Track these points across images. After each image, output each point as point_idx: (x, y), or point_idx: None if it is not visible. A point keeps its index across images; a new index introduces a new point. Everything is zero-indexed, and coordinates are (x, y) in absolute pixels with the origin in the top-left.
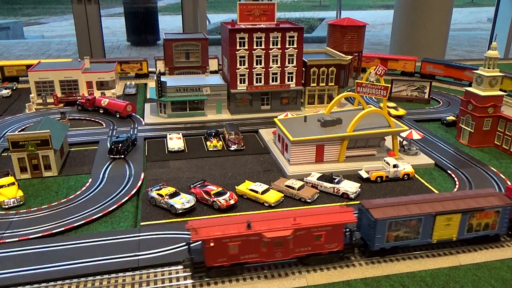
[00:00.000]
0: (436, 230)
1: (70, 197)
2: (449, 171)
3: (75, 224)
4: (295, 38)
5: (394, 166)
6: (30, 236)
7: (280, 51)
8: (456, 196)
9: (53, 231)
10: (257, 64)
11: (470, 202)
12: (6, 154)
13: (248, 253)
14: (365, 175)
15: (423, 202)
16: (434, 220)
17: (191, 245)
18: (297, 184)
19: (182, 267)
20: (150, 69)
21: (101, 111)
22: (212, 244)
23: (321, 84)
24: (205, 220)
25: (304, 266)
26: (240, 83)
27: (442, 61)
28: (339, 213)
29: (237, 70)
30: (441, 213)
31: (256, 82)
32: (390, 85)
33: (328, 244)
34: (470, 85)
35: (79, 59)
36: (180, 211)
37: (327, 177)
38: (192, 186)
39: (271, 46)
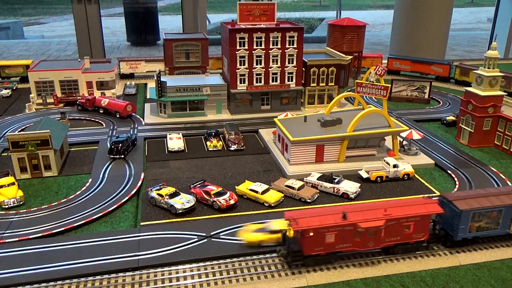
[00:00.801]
0: None
1: (70, 197)
2: (449, 171)
3: (75, 224)
4: (295, 38)
5: (394, 166)
6: (30, 236)
7: (280, 51)
8: None
9: (53, 231)
10: (257, 64)
11: None
12: (6, 154)
13: (343, 243)
14: (365, 175)
15: (501, 194)
16: None
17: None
18: (297, 184)
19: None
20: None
21: (101, 111)
22: (311, 234)
23: (321, 84)
24: (301, 210)
25: (387, 255)
26: (240, 83)
27: (408, 57)
28: (425, 204)
29: (237, 70)
30: None
31: (256, 82)
32: (390, 85)
33: (415, 234)
34: (436, 79)
35: (79, 59)
36: (180, 211)
37: (327, 177)
38: (192, 186)
39: (271, 46)
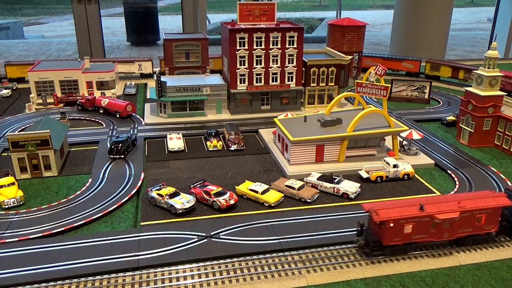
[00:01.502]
0: None
1: (70, 197)
2: (449, 171)
3: (75, 224)
4: (295, 38)
5: (394, 166)
6: (30, 236)
7: (280, 51)
8: None
9: (53, 231)
10: (257, 64)
11: None
12: (6, 154)
13: (419, 233)
14: (365, 175)
15: None
16: None
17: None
18: (297, 184)
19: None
20: None
21: (101, 111)
22: (391, 225)
23: (321, 84)
24: (380, 202)
25: (458, 246)
26: (240, 83)
27: (379, 55)
28: (495, 197)
29: (237, 70)
30: None
31: (256, 82)
32: (390, 85)
33: (486, 226)
34: (407, 75)
35: (79, 59)
36: (180, 211)
37: (327, 177)
38: (192, 186)
39: (271, 46)
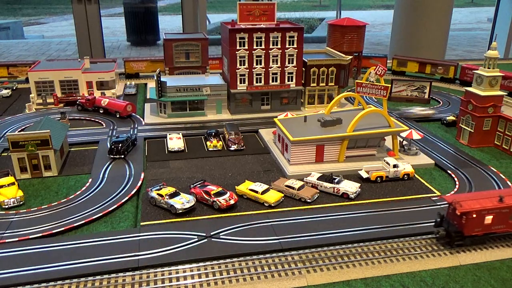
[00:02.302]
0: None
1: (70, 197)
2: (449, 171)
3: (75, 224)
4: (295, 38)
5: (394, 166)
6: (30, 236)
7: (280, 51)
8: None
9: (53, 231)
10: (257, 64)
11: None
12: (6, 154)
13: (498, 224)
14: (365, 175)
15: None
16: None
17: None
18: (297, 184)
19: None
20: None
21: (101, 111)
22: (474, 216)
23: (321, 84)
24: (461, 194)
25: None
26: (240, 83)
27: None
28: None
29: (237, 70)
30: None
31: (256, 82)
32: (390, 85)
33: None
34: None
35: (79, 59)
36: (180, 211)
37: (327, 177)
38: (192, 186)
39: (271, 46)
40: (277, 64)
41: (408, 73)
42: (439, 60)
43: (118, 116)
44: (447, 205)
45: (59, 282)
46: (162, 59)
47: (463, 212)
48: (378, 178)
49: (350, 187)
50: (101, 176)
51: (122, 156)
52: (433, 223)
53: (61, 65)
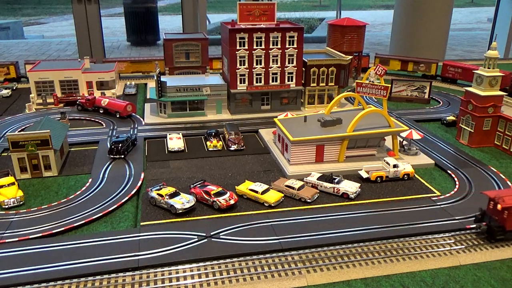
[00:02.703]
0: None
1: (70, 197)
2: (449, 171)
3: (75, 224)
4: (295, 38)
5: (394, 166)
6: (30, 236)
7: (280, 51)
8: None
9: (53, 231)
10: (257, 64)
11: None
12: (6, 154)
13: None
14: (365, 175)
15: None
16: None
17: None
18: (297, 184)
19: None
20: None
21: (101, 111)
22: None
23: (321, 84)
24: (501, 190)
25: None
26: (240, 83)
27: None
28: None
29: (237, 70)
30: None
31: (256, 82)
32: (390, 85)
33: None
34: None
35: (79, 59)
36: (180, 211)
37: (327, 177)
38: (192, 186)
39: (271, 46)
40: (277, 64)
41: (390, 71)
42: (420, 57)
43: (118, 116)
44: (487, 200)
45: (59, 282)
46: (143, 59)
47: (505, 207)
48: (378, 178)
49: (350, 187)
50: (101, 176)
51: (122, 156)
52: (473, 218)
53: (61, 65)
